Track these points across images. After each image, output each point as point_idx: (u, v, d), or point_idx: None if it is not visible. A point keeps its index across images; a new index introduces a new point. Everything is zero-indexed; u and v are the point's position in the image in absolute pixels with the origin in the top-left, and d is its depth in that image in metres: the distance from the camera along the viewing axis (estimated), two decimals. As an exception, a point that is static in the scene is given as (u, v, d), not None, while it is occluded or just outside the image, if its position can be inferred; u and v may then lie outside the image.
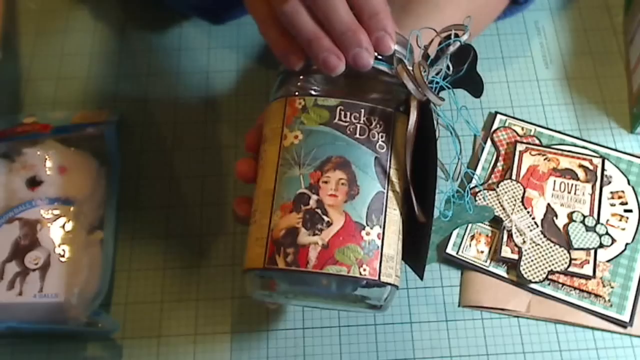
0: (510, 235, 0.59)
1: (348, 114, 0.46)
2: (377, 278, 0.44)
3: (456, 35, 0.50)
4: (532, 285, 0.58)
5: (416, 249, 0.48)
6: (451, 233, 0.60)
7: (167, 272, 0.61)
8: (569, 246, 0.59)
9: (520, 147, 0.64)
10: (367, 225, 0.44)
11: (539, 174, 0.63)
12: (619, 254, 0.59)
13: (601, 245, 0.59)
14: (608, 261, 0.59)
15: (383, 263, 0.45)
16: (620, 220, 0.61)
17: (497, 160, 0.64)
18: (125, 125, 0.68)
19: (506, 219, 0.60)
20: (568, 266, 0.58)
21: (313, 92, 0.47)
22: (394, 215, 0.46)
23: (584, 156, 0.63)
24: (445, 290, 0.59)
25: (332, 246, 0.44)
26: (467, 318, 0.58)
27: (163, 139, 0.68)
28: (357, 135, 0.46)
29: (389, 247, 0.45)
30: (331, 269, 0.43)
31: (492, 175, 0.63)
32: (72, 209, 0.59)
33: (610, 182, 0.62)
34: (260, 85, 0.70)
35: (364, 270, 0.44)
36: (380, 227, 0.45)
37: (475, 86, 0.53)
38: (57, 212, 0.59)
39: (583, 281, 0.58)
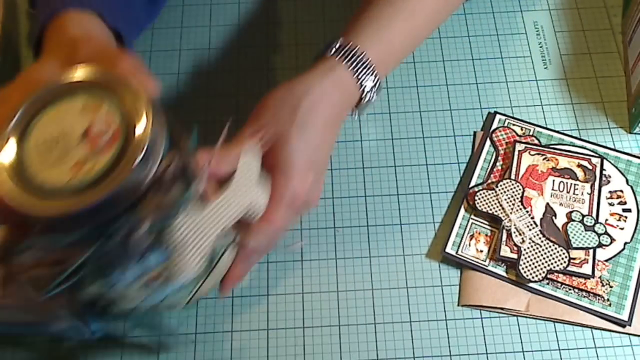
0: (509, 235, 0.60)
1: None
2: None
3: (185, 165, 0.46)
4: (531, 285, 0.58)
5: None
6: (450, 234, 0.61)
7: (168, 272, 0.61)
8: (568, 245, 0.59)
9: (519, 147, 0.64)
10: None
11: (538, 173, 0.63)
12: (618, 254, 0.59)
13: (600, 245, 0.59)
14: (607, 260, 0.59)
15: None
16: (619, 219, 0.61)
17: (496, 160, 0.64)
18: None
19: (505, 219, 0.60)
20: (567, 265, 0.58)
21: None
22: None
23: (583, 156, 0.64)
24: (445, 290, 0.59)
25: None
26: (467, 317, 0.58)
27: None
28: None
29: None
30: None
31: (492, 175, 0.64)
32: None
33: (609, 182, 0.63)
34: (261, 86, 0.70)
35: None
36: None
37: None
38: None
39: (582, 280, 0.58)
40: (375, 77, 0.55)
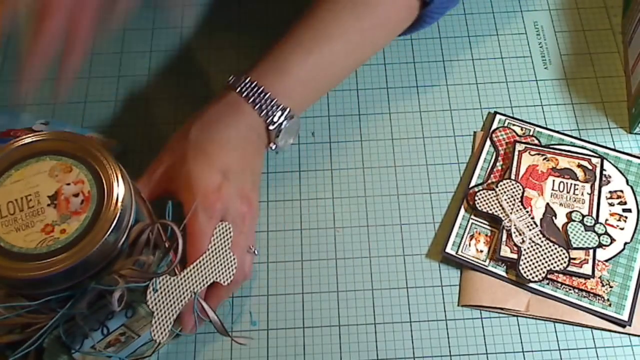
0: (509, 235, 0.60)
1: None
2: None
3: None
4: (531, 285, 0.58)
5: None
6: (450, 234, 0.61)
7: (168, 272, 0.61)
8: (568, 246, 0.59)
9: (519, 147, 0.64)
10: None
11: (538, 173, 0.63)
12: (618, 254, 0.59)
13: (600, 245, 0.59)
14: (607, 260, 0.59)
15: None
16: (619, 219, 0.61)
17: (496, 160, 0.64)
18: (125, 125, 0.68)
19: (505, 219, 0.60)
20: (567, 265, 0.58)
21: None
22: None
23: (583, 156, 0.64)
24: (445, 290, 0.59)
25: None
26: (467, 317, 0.58)
27: (163, 139, 0.68)
28: None
29: None
30: None
31: (492, 175, 0.64)
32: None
33: (609, 182, 0.63)
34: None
35: None
36: None
37: None
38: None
39: (582, 280, 0.58)
40: (271, 101, 0.57)
